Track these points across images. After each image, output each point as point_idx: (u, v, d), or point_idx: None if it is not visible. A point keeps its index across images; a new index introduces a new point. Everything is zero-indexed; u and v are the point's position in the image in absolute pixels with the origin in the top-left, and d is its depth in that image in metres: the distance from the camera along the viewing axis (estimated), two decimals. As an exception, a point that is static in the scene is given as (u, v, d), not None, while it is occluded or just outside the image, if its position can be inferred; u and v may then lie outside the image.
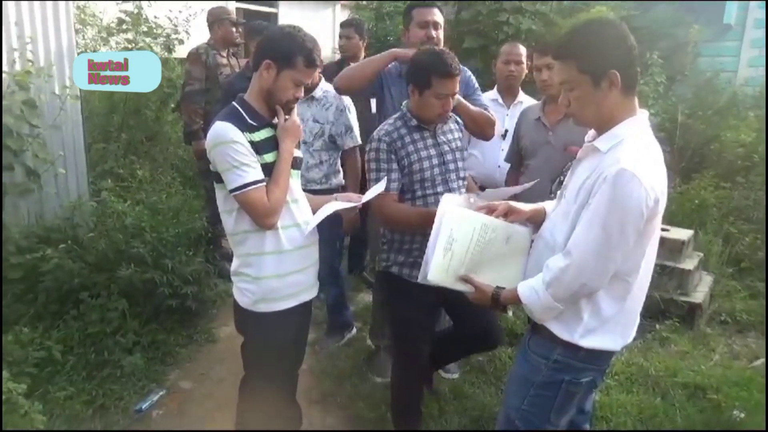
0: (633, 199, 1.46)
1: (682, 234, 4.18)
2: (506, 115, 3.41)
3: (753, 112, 6.14)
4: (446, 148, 2.36)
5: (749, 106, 6.43)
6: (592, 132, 1.70)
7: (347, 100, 3.16)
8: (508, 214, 1.87)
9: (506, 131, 3.35)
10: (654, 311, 3.82)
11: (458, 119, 2.53)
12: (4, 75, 3.45)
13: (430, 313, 2.46)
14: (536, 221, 1.89)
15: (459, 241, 1.80)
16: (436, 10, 2.87)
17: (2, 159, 3.29)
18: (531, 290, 1.63)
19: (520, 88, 3.51)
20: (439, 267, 1.79)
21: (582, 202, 1.56)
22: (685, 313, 3.85)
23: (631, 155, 1.50)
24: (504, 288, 1.75)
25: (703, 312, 3.94)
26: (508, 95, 3.50)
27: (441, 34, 2.87)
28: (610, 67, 1.53)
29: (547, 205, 1.90)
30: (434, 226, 1.82)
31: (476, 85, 2.89)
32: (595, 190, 1.51)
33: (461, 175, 2.41)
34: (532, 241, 1.85)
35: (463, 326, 2.51)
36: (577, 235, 1.54)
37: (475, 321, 2.42)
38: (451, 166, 2.36)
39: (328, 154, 3.18)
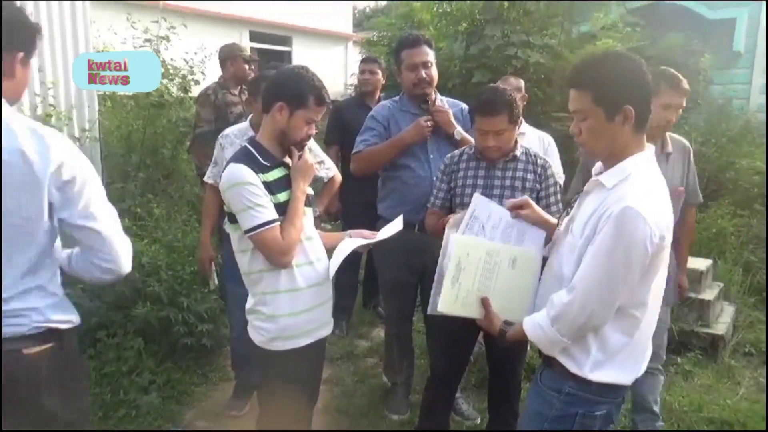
0: (637, 236, 1.46)
1: (701, 264, 4.12)
2: None
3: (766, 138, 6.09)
4: (498, 182, 2.43)
5: (763, 133, 6.39)
6: (598, 165, 1.71)
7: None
8: (523, 207, 1.97)
9: None
10: (675, 344, 3.74)
11: (543, 164, 2.51)
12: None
13: (473, 332, 2.48)
14: (548, 230, 1.96)
15: (467, 270, 1.82)
16: (424, 49, 2.84)
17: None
18: (536, 326, 1.64)
19: (522, 119, 3.53)
20: (448, 298, 1.80)
21: (588, 237, 1.57)
22: (708, 345, 3.77)
23: (636, 192, 1.50)
24: (512, 324, 1.76)
25: (726, 344, 3.85)
26: None
27: (433, 71, 2.87)
28: (625, 102, 1.54)
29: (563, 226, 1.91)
30: (441, 255, 1.84)
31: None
32: (600, 227, 1.52)
33: None
34: (545, 263, 1.86)
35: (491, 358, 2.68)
36: (582, 271, 1.55)
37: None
38: (495, 201, 2.39)
39: None
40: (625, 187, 1.54)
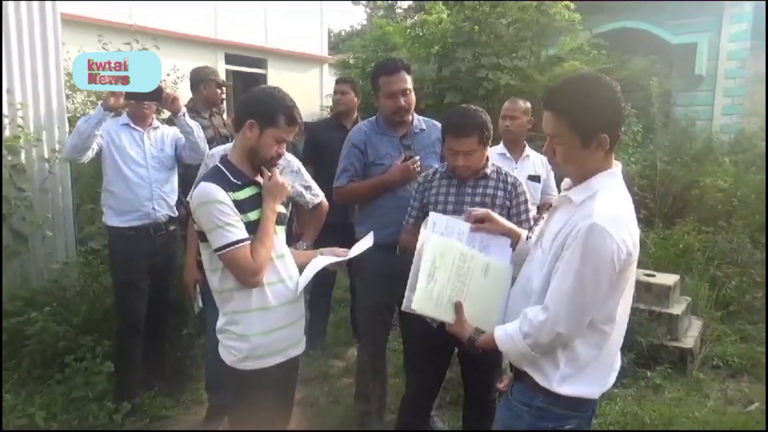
0: (605, 253, 1.50)
1: (669, 279, 4.21)
2: (514, 168, 3.41)
3: (728, 157, 6.33)
4: (468, 199, 2.46)
5: (725, 152, 6.63)
6: (567, 180, 1.75)
7: (295, 161, 2.91)
8: (485, 221, 1.99)
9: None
10: (645, 358, 3.80)
11: (513, 182, 2.51)
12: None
13: (448, 349, 2.52)
14: (513, 240, 1.99)
15: (441, 270, 1.83)
16: (402, 75, 2.83)
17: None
18: (508, 337, 1.65)
19: (526, 143, 3.61)
20: (423, 296, 1.79)
21: (556, 252, 1.60)
22: (677, 358, 3.83)
23: (603, 209, 1.53)
24: (483, 332, 1.77)
25: (695, 357, 3.92)
26: (515, 149, 3.56)
27: (411, 97, 2.87)
28: (601, 131, 1.56)
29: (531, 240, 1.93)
30: (416, 254, 1.86)
31: None
32: (568, 243, 1.55)
33: None
34: (514, 279, 1.88)
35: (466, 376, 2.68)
36: (554, 289, 1.57)
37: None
38: (464, 217, 2.43)
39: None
40: (592, 203, 1.56)
